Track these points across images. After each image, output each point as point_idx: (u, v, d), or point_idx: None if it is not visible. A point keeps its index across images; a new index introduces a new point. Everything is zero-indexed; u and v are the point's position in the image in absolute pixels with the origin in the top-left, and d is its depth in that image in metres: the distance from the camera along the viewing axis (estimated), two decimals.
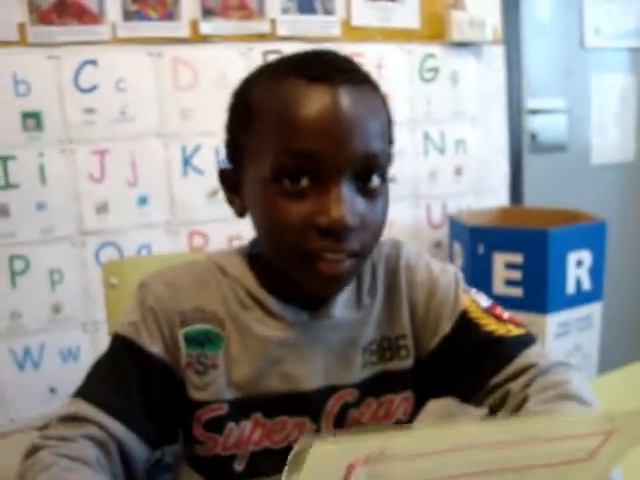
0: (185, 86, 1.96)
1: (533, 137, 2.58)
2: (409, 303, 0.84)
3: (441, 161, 2.35)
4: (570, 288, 1.98)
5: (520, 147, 2.51)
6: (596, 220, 2.06)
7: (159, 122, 1.94)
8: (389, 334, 0.83)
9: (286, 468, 0.36)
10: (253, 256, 0.83)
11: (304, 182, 0.69)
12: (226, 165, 0.81)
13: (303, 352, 0.79)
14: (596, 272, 2.02)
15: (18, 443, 1.94)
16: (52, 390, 1.92)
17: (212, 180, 1.99)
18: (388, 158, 0.76)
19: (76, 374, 2.07)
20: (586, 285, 2.01)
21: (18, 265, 1.85)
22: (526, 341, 0.80)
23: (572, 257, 1.97)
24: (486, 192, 2.45)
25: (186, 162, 1.99)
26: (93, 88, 1.86)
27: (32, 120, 1.81)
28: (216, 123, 1.97)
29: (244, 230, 1.95)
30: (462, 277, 0.87)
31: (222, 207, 1.99)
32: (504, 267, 1.97)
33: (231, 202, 0.82)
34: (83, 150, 1.87)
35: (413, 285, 0.85)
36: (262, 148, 0.72)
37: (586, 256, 2.00)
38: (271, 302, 0.79)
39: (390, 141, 0.78)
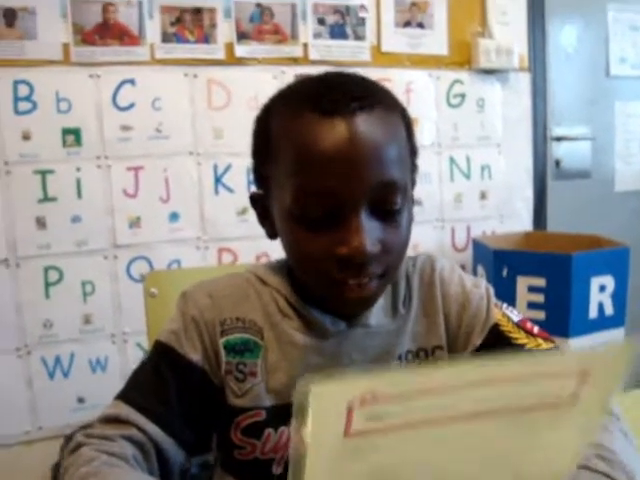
0: (219, 106, 2.02)
1: (557, 163, 2.61)
2: (444, 315, 0.86)
3: (466, 185, 2.39)
4: (592, 313, 1.99)
5: (544, 173, 2.53)
6: (619, 246, 2.08)
7: (192, 141, 2.00)
8: (425, 345, 0.85)
9: (294, 415, 0.37)
10: (290, 269, 0.85)
11: (323, 215, 0.71)
12: (256, 190, 0.84)
13: (341, 360, 0.81)
14: (618, 297, 2.03)
15: (44, 451, 1.98)
16: (80, 399, 1.97)
17: (242, 198, 2.05)
18: (411, 176, 0.78)
19: (104, 384, 2.13)
20: (609, 310, 2.02)
21: (52, 276, 1.90)
22: None
23: (595, 282, 1.98)
24: (510, 217, 2.48)
25: (217, 180, 2.04)
26: (130, 106, 1.93)
27: (71, 136, 1.88)
28: (247, 144, 2.03)
29: (272, 248, 2.00)
30: (493, 292, 0.89)
31: (251, 225, 2.06)
32: (527, 290, 1.98)
33: (262, 225, 0.84)
34: (118, 166, 1.94)
35: (447, 298, 0.86)
36: (282, 182, 0.74)
37: (609, 281, 2.01)
38: (310, 311, 0.81)
39: (413, 153, 0.79)
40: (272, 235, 0.82)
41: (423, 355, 0.85)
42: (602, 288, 1.99)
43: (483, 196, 2.42)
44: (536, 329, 0.85)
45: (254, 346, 0.81)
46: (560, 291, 1.95)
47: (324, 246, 0.72)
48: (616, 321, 2.06)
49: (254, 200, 0.84)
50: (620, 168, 2.76)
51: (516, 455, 0.45)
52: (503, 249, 2.12)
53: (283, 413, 0.81)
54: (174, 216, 2.00)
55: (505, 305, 0.89)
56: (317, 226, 0.72)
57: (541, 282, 1.97)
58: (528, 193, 2.51)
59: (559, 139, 2.60)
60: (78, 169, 1.90)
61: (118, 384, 2.11)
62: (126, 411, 0.75)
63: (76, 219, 1.91)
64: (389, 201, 0.73)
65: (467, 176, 2.38)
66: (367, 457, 0.40)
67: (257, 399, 0.80)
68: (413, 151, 0.79)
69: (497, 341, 0.83)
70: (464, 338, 0.85)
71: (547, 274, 1.96)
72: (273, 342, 0.81)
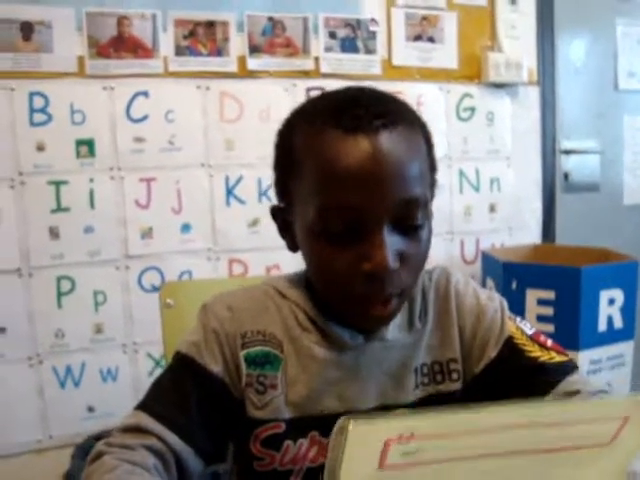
0: (231, 119, 2.04)
1: (566, 176, 2.61)
2: (458, 327, 0.87)
3: (476, 198, 2.40)
4: (602, 326, 2.00)
5: (553, 186, 2.54)
6: (628, 259, 2.08)
7: (205, 152, 2.02)
8: (440, 358, 0.86)
9: (330, 447, 0.39)
10: (308, 283, 0.86)
11: (346, 230, 0.72)
12: (276, 202, 0.85)
13: (358, 373, 0.82)
14: (628, 311, 2.03)
15: (55, 459, 1.99)
16: (90, 409, 1.98)
17: (253, 210, 2.07)
18: (430, 191, 0.79)
19: (114, 394, 2.14)
20: (618, 323, 2.02)
21: (65, 286, 1.92)
22: (569, 368, 0.82)
23: (604, 295, 1.99)
24: (519, 229, 2.49)
25: (229, 192, 2.05)
26: (144, 118, 1.95)
27: (85, 147, 1.90)
28: (258, 156, 2.06)
29: (283, 259, 2.01)
30: (507, 305, 0.90)
31: (262, 236, 2.08)
32: (536, 303, 1.99)
33: (283, 237, 0.85)
34: (131, 177, 1.95)
35: (461, 311, 0.87)
36: (305, 198, 0.75)
37: (618, 295, 2.01)
38: (329, 325, 0.82)
39: (433, 168, 0.80)
40: (293, 248, 0.84)
41: (438, 368, 0.86)
42: (611, 301, 2.00)
43: (492, 209, 2.43)
44: (549, 342, 0.86)
45: (274, 359, 0.82)
46: (569, 304, 1.95)
47: (347, 262, 0.73)
48: (625, 334, 2.06)
49: (275, 213, 0.85)
50: (629, 181, 2.76)
51: None
52: (512, 262, 2.13)
53: (302, 425, 0.82)
54: (186, 227, 2.02)
55: (519, 318, 0.90)
56: (339, 241, 0.73)
57: (550, 295, 1.98)
58: (537, 206, 2.52)
59: (568, 152, 2.61)
60: (91, 180, 1.91)
61: (128, 394, 2.13)
62: (146, 421, 0.76)
63: (89, 229, 1.92)
64: (411, 217, 0.74)
65: (476, 189, 2.39)
66: None
67: (277, 411, 0.81)
68: (432, 166, 0.81)
69: (511, 354, 0.84)
70: (479, 351, 0.86)
71: (556, 287, 1.97)
72: (292, 355, 0.82)
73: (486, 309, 0.87)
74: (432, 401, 0.84)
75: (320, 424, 0.81)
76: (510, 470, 0.43)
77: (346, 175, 0.70)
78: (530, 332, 0.86)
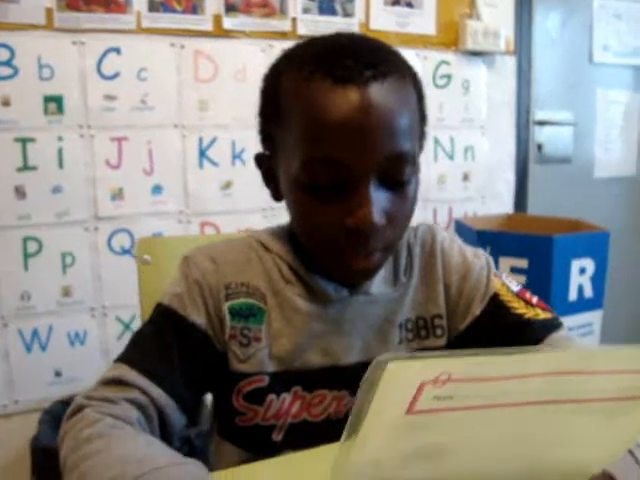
0: (205, 79, 1.99)
1: (539, 147, 2.63)
2: (444, 285, 0.87)
3: (450, 166, 2.39)
4: (572, 295, 2.02)
5: (527, 157, 2.56)
6: (600, 230, 2.11)
7: (178, 113, 1.97)
8: (425, 314, 0.86)
9: (362, 386, 0.38)
10: (293, 235, 0.85)
11: (331, 184, 0.71)
12: (261, 150, 0.83)
13: (343, 327, 0.81)
14: (598, 280, 2.06)
15: (22, 424, 1.95)
16: (57, 373, 1.94)
17: (226, 172, 2.03)
18: (419, 143, 0.77)
19: (82, 358, 2.10)
20: (588, 292, 2.05)
21: (31, 247, 1.86)
22: (554, 325, 0.82)
23: (575, 264, 2.01)
24: (491, 199, 2.50)
25: (202, 154, 2.01)
26: (115, 75, 1.89)
27: (53, 104, 1.84)
28: (233, 117, 2.01)
29: (255, 223, 1.98)
30: (493, 262, 0.90)
31: (234, 200, 2.04)
32: (509, 271, 2.00)
33: (267, 186, 0.83)
34: (101, 136, 1.90)
35: (447, 268, 0.87)
36: (290, 148, 0.73)
37: (589, 264, 2.04)
38: (313, 278, 0.81)
39: (423, 120, 0.78)
40: (277, 197, 0.82)
41: (422, 323, 0.86)
42: (582, 271, 2.02)
43: (466, 177, 2.43)
44: (535, 299, 0.86)
45: (258, 311, 0.81)
46: (542, 272, 1.97)
47: (331, 216, 0.71)
48: (595, 304, 2.09)
49: (259, 160, 0.83)
50: (600, 155, 2.79)
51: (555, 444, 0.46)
52: (486, 230, 2.13)
53: (285, 379, 0.81)
54: (157, 189, 1.97)
55: (505, 275, 0.90)
56: (324, 195, 0.71)
57: (523, 263, 1.99)
58: (510, 176, 2.53)
59: (542, 123, 2.62)
60: (60, 138, 1.85)
61: (97, 358, 2.09)
62: (128, 373, 0.74)
63: (57, 189, 1.87)
64: (398, 172, 0.73)
65: (451, 157, 2.39)
66: (420, 435, 0.41)
67: (260, 364, 0.80)
68: (423, 117, 0.79)
69: (497, 310, 0.84)
70: (464, 307, 0.86)
71: (529, 255, 1.98)
72: (276, 308, 0.81)
73: (472, 267, 0.87)
74: None
75: (303, 378, 0.81)
76: (540, 419, 0.42)
77: (333, 128, 0.68)
78: (516, 289, 0.87)
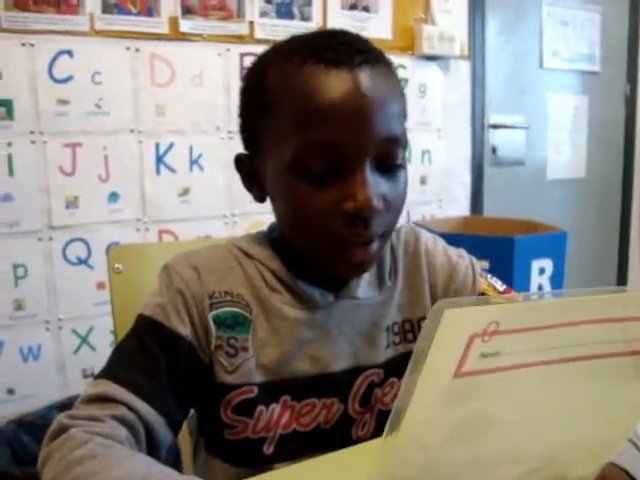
0: (162, 83, 1.94)
1: (494, 150, 2.67)
2: (429, 286, 0.85)
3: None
4: None
5: (482, 160, 2.60)
6: (557, 230, 2.14)
7: (134, 118, 1.92)
8: (411, 317, 0.84)
9: (420, 334, 0.38)
10: (273, 240, 0.82)
11: (326, 168, 0.69)
12: (242, 151, 0.80)
13: (330, 333, 0.79)
14: (556, 280, 2.10)
15: None
16: (10, 390, 1.85)
17: (184, 178, 1.99)
18: (406, 134, 0.76)
19: (36, 374, 2.01)
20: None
21: None
22: None
23: (535, 265, 2.04)
24: (448, 202, 2.52)
25: (159, 160, 1.96)
26: (68, 79, 1.82)
27: (2, 108, 1.76)
28: (190, 122, 1.97)
29: (213, 230, 1.94)
30: (476, 262, 0.89)
31: (192, 207, 2.00)
32: None
33: (249, 189, 0.81)
34: (54, 142, 1.83)
35: (432, 269, 0.86)
36: (282, 136, 0.71)
37: (548, 264, 2.07)
38: (298, 284, 0.78)
39: (405, 115, 0.77)
40: (261, 198, 0.79)
41: (408, 326, 0.84)
42: (542, 271, 2.05)
43: (423, 181, 2.45)
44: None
45: (244, 320, 0.78)
46: (503, 273, 1.96)
47: (328, 201, 0.69)
48: None
49: (240, 162, 0.80)
50: (552, 157, 2.86)
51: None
52: (446, 232, 2.14)
53: (274, 389, 0.78)
54: (113, 196, 1.91)
55: (489, 275, 0.89)
56: (319, 181, 0.69)
57: (484, 265, 2.01)
58: (466, 179, 2.56)
59: (496, 127, 2.66)
60: (9, 144, 1.78)
61: (52, 374, 2.01)
62: (113, 389, 0.69)
63: (7, 198, 1.79)
64: (393, 155, 0.72)
65: (408, 160, 2.39)
66: (467, 402, 0.40)
67: (248, 375, 0.77)
68: (405, 112, 0.78)
69: None
70: None
71: (491, 257, 2.00)
72: (261, 317, 0.78)
73: (458, 267, 0.87)
74: (403, 360, 0.82)
75: (292, 388, 0.78)
76: (586, 381, 0.42)
77: (330, 110, 0.67)
78: (501, 288, 0.87)
